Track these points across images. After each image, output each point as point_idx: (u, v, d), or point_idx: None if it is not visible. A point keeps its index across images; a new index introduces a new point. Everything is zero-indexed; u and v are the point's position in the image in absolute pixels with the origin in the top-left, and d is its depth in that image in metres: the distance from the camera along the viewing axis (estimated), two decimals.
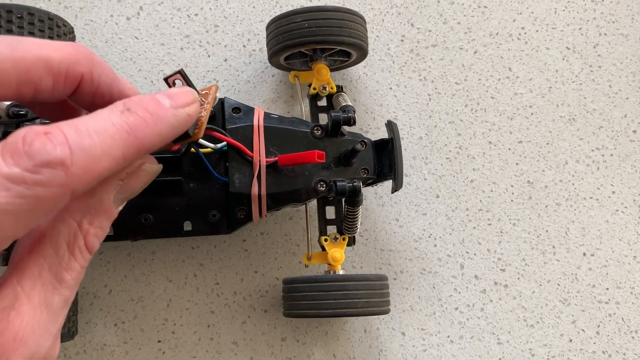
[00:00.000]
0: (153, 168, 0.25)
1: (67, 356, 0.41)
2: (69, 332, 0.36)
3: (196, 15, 0.47)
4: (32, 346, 0.21)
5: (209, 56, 0.46)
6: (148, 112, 0.21)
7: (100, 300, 0.42)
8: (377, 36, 0.48)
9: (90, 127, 0.19)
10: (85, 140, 0.19)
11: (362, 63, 0.47)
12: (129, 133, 0.20)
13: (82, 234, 0.22)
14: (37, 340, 0.21)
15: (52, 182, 0.18)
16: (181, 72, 0.26)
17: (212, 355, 0.42)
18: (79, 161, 0.19)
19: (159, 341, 0.42)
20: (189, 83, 0.26)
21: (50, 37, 0.35)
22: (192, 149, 0.35)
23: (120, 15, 0.46)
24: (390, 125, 0.39)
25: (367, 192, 0.45)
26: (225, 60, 0.46)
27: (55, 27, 0.35)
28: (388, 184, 0.44)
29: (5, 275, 0.22)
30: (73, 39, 0.41)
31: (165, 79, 0.26)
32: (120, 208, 0.25)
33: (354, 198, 0.36)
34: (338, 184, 0.36)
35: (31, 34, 0.33)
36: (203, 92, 0.28)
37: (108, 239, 0.36)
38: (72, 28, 0.39)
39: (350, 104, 0.39)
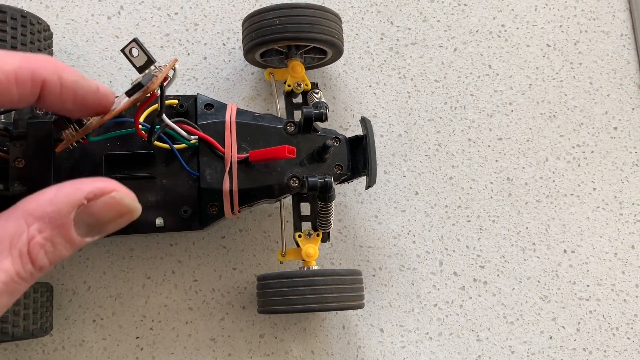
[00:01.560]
0: (125, 200, 0.24)
1: (45, 352, 0.41)
2: (41, 327, 0.36)
3: (176, 14, 0.47)
4: None
5: (188, 54, 0.46)
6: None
7: (78, 297, 0.42)
8: (357, 34, 0.48)
9: None
10: None
11: (342, 61, 0.47)
12: (23, 58, 0.22)
13: (27, 238, 0.22)
14: None
15: None
16: (135, 40, 0.26)
17: (190, 351, 0.42)
18: None
19: (137, 337, 0.42)
20: (145, 51, 0.27)
21: (24, 35, 0.35)
22: (166, 145, 0.36)
23: (101, 14, 0.46)
24: (364, 122, 0.39)
25: (346, 189, 0.46)
26: (205, 58, 0.47)
27: (28, 25, 0.36)
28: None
29: None
30: (50, 36, 0.41)
31: (122, 50, 0.26)
32: (88, 240, 0.24)
33: (325, 194, 0.36)
34: (310, 179, 0.36)
35: (2, 31, 0.34)
36: (162, 65, 0.29)
37: None
38: (48, 25, 0.40)
39: (324, 100, 0.39)
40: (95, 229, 0.24)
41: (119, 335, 0.42)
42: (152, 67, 0.28)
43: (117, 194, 0.24)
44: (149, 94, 0.28)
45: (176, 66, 0.29)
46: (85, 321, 0.42)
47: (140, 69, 0.28)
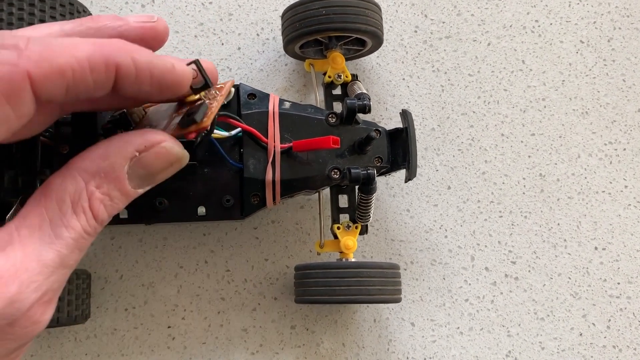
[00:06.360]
0: (174, 149, 0.25)
1: (77, 340, 0.41)
2: (82, 314, 0.36)
3: (210, 3, 0.47)
4: (13, 290, 0.20)
5: (222, 44, 0.46)
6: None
7: (111, 285, 0.42)
8: (391, 27, 0.48)
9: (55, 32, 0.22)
10: (45, 38, 0.21)
11: (376, 53, 0.47)
12: (94, 44, 0.21)
13: (87, 195, 0.22)
14: (20, 287, 0.20)
15: (2, 59, 0.19)
16: (196, 62, 0.26)
17: (222, 341, 0.42)
18: (34, 47, 0.20)
19: (169, 327, 0.42)
20: (203, 75, 0.26)
21: None
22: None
23: (135, 2, 0.46)
24: (405, 115, 0.39)
25: (379, 182, 0.45)
26: (239, 48, 0.46)
27: (75, 13, 0.36)
28: (399, 174, 0.44)
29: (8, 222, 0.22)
30: None
31: None
32: (140, 191, 0.25)
33: (368, 186, 0.36)
34: (352, 171, 0.36)
35: (52, 18, 0.33)
36: (218, 86, 0.28)
37: (123, 222, 0.36)
38: (92, 14, 0.39)
39: (365, 92, 0.39)
40: (147, 180, 0.25)
41: (151, 324, 0.42)
42: (205, 92, 0.27)
43: (167, 144, 0.25)
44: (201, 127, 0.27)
45: (232, 89, 0.28)
46: (117, 310, 0.42)
47: (195, 90, 0.27)
